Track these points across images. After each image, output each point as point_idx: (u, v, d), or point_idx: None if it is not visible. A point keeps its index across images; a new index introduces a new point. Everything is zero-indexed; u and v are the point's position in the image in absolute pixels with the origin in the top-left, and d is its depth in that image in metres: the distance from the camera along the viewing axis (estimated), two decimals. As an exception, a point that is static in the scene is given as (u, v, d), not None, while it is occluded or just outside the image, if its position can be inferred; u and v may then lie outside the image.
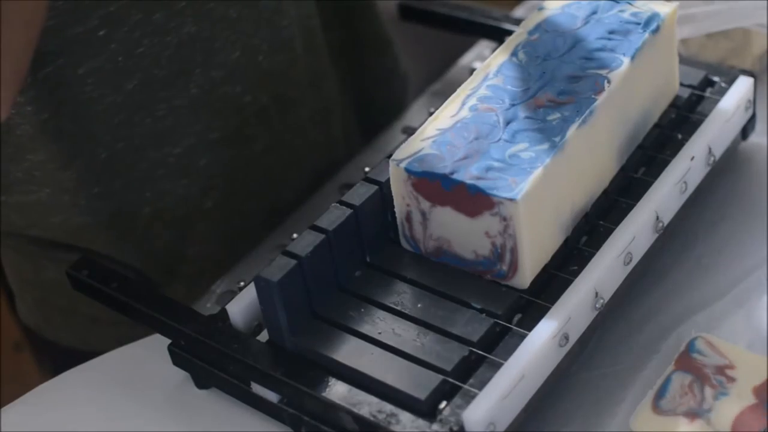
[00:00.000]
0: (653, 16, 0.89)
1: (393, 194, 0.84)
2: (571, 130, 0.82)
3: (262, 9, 0.97)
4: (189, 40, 0.93)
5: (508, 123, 0.83)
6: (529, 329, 0.79)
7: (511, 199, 0.78)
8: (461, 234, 0.82)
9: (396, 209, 0.85)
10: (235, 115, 0.99)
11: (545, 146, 0.81)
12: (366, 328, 0.81)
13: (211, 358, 0.85)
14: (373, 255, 0.86)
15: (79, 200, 0.97)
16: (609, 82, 0.84)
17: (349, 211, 0.84)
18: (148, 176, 0.97)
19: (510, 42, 0.90)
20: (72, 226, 0.98)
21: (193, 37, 0.93)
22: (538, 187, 0.79)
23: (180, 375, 0.89)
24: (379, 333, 0.80)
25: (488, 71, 0.87)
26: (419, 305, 0.82)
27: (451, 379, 0.77)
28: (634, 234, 0.85)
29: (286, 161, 1.04)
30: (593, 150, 0.85)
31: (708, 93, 0.95)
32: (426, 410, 0.76)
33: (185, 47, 0.93)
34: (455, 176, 0.80)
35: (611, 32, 0.88)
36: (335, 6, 1.08)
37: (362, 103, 1.15)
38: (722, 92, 0.94)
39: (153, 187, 0.98)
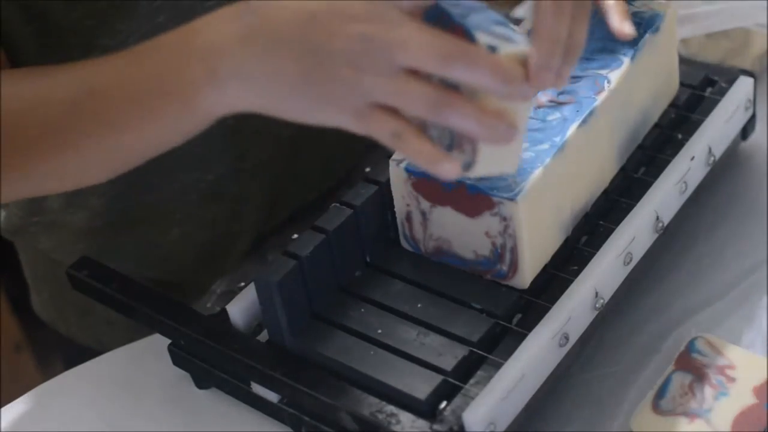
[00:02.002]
0: (653, 16, 0.89)
1: (393, 194, 0.84)
2: (571, 130, 0.82)
3: None
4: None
5: (508, 123, 0.83)
6: (529, 329, 0.79)
7: (511, 199, 0.78)
8: (461, 234, 0.82)
9: (396, 209, 0.85)
10: (268, 144, 0.97)
11: (545, 146, 0.81)
12: (366, 328, 0.81)
13: (211, 358, 0.85)
14: (373, 255, 0.86)
15: (102, 224, 0.97)
16: (609, 82, 0.85)
17: (349, 211, 0.84)
18: (179, 198, 0.97)
19: (510, 42, 0.90)
20: (93, 248, 0.98)
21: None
22: (538, 187, 0.79)
23: (180, 375, 0.89)
24: (379, 333, 0.80)
25: (488, 71, 0.87)
26: (419, 305, 0.82)
27: (451, 379, 0.77)
28: (634, 234, 0.85)
29: (310, 185, 1.03)
30: (593, 150, 0.85)
31: (708, 93, 0.95)
32: (426, 410, 0.76)
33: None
34: None
35: (611, 32, 0.88)
36: None
37: None
38: (722, 92, 0.94)
39: (183, 209, 0.97)
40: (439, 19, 0.71)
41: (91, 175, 0.80)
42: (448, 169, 0.68)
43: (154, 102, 0.72)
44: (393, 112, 0.68)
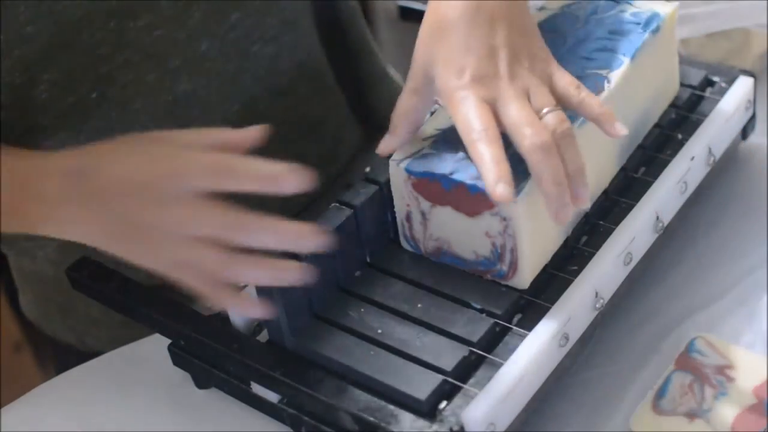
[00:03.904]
0: (653, 16, 0.89)
1: (393, 194, 0.84)
2: (571, 130, 0.82)
3: (260, 58, 0.96)
4: (184, 98, 0.93)
5: (508, 123, 0.83)
6: (529, 329, 0.79)
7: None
8: (461, 234, 0.82)
9: (396, 209, 0.85)
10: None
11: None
12: (366, 328, 0.81)
13: (211, 358, 0.85)
14: (373, 255, 0.86)
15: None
16: (609, 82, 0.84)
17: (349, 211, 0.84)
18: None
19: (510, 42, 0.90)
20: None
21: (188, 95, 0.93)
22: (537, 189, 0.79)
23: (180, 375, 0.89)
24: (379, 333, 0.80)
25: (488, 71, 0.87)
26: (419, 305, 0.82)
27: (451, 379, 0.77)
28: (634, 234, 0.85)
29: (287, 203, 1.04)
30: (593, 150, 0.85)
31: (708, 93, 0.95)
32: (426, 410, 0.76)
33: (180, 105, 0.93)
34: (455, 176, 0.79)
35: (611, 32, 0.88)
36: (335, 43, 1.07)
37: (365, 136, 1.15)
38: (722, 92, 0.94)
39: None
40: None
41: None
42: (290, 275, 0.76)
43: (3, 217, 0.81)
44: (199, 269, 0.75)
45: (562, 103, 0.79)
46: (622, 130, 0.79)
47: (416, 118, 0.82)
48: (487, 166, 0.75)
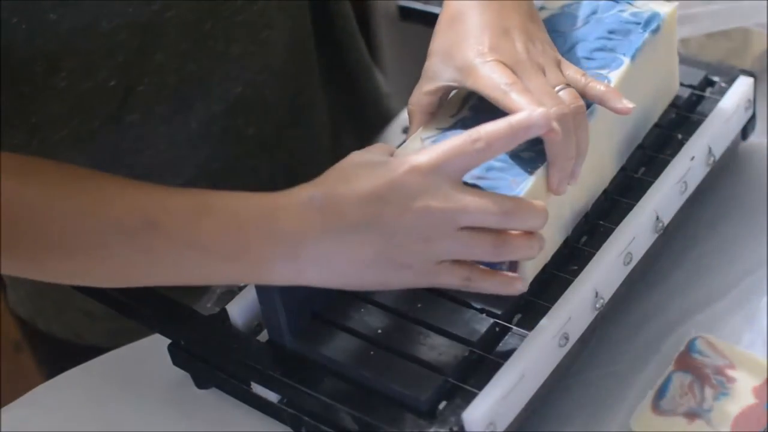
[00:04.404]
0: (653, 16, 0.89)
1: None
2: (572, 130, 0.82)
3: (262, 44, 0.97)
4: (189, 78, 0.93)
5: (508, 123, 0.83)
6: (529, 329, 0.79)
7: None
8: None
9: None
10: (237, 146, 0.99)
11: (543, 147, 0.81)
12: (366, 328, 0.81)
13: (211, 358, 0.85)
14: (373, 255, 0.86)
15: None
16: (609, 82, 0.84)
17: (349, 211, 0.83)
18: None
19: (510, 42, 0.90)
20: None
21: (192, 75, 0.93)
22: (538, 188, 0.79)
23: (180, 375, 0.89)
24: (379, 333, 0.80)
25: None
26: (419, 305, 0.82)
27: (451, 379, 0.77)
28: (634, 234, 0.85)
29: (280, 186, 1.04)
30: (593, 150, 0.84)
31: (708, 93, 0.95)
32: (426, 410, 0.76)
33: (185, 85, 0.93)
34: None
35: (611, 32, 0.88)
36: (326, 36, 1.08)
37: (353, 130, 1.15)
38: (722, 92, 0.94)
39: None
40: None
41: (102, 284, 0.82)
42: (519, 287, 0.77)
43: (220, 264, 0.74)
44: (456, 261, 0.75)
45: None
46: (629, 105, 0.80)
47: (431, 107, 0.84)
48: (526, 106, 0.76)
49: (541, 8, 0.91)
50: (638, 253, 0.86)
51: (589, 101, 0.82)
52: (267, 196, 0.74)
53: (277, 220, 0.73)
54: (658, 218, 0.87)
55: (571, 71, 0.82)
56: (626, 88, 0.86)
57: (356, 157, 0.76)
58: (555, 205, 0.82)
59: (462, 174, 0.75)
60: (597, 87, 0.81)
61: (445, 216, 0.73)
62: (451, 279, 0.76)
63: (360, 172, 0.74)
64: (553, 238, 0.83)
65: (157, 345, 0.89)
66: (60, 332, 1.08)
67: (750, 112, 0.96)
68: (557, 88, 0.79)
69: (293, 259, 0.73)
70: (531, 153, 0.80)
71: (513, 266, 0.80)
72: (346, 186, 0.73)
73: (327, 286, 0.76)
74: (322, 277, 0.75)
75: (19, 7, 0.82)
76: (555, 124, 0.74)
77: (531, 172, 0.79)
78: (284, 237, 0.73)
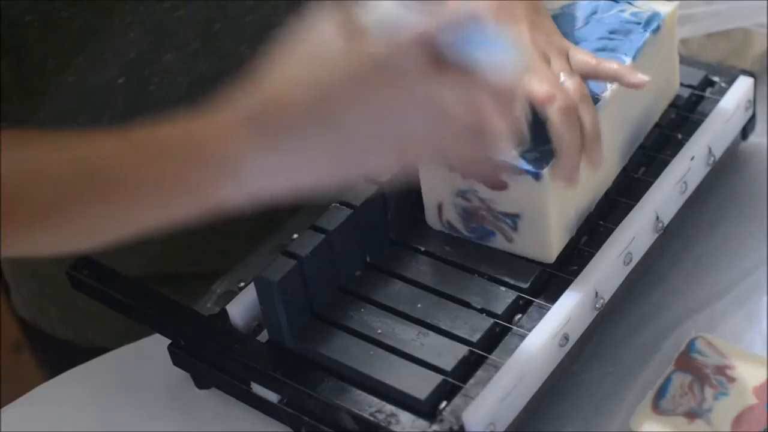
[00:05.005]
0: (653, 16, 0.89)
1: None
2: (572, 130, 0.82)
3: (272, 44, 0.97)
4: (200, 80, 0.93)
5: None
6: (529, 329, 0.79)
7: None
8: None
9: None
10: None
11: (549, 147, 0.80)
12: (366, 328, 0.81)
13: (211, 358, 0.85)
14: (373, 255, 0.86)
15: None
16: (610, 82, 0.84)
17: (349, 211, 0.83)
18: None
19: (510, 42, 0.90)
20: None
21: (203, 76, 0.93)
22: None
23: (180, 375, 0.89)
24: (379, 333, 0.80)
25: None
26: (419, 305, 0.82)
27: (451, 379, 0.77)
28: (634, 234, 0.85)
29: None
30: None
31: (708, 93, 0.95)
32: (426, 410, 0.76)
33: (196, 86, 0.93)
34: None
35: (612, 32, 0.88)
36: None
37: None
38: (722, 92, 0.94)
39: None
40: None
41: (83, 246, 0.76)
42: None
43: (164, 196, 0.69)
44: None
45: (580, 71, 0.81)
46: (644, 78, 0.81)
47: None
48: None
49: (542, 8, 0.92)
50: (638, 253, 0.86)
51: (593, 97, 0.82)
52: (197, 121, 0.68)
53: (206, 144, 0.67)
54: (658, 218, 0.87)
55: (581, 55, 0.82)
56: (628, 89, 0.86)
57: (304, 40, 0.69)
58: (559, 207, 0.82)
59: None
60: (609, 66, 0.82)
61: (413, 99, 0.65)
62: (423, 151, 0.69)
63: (304, 67, 0.67)
64: (560, 238, 0.83)
65: (157, 345, 0.89)
66: (64, 334, 1.08)
67: (750, 112, 0.96)
68: (562, 76, 0.79)
69: (235, 181, 0.67)
70: (536, 154, 0.80)
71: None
72: (284, 80, 0.67)
73: (283, 197, 0.69)
74: (276, 191, 0.68)
75: (32, 5, 0.82)
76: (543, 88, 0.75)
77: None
78: (218, 158, 0.67)
